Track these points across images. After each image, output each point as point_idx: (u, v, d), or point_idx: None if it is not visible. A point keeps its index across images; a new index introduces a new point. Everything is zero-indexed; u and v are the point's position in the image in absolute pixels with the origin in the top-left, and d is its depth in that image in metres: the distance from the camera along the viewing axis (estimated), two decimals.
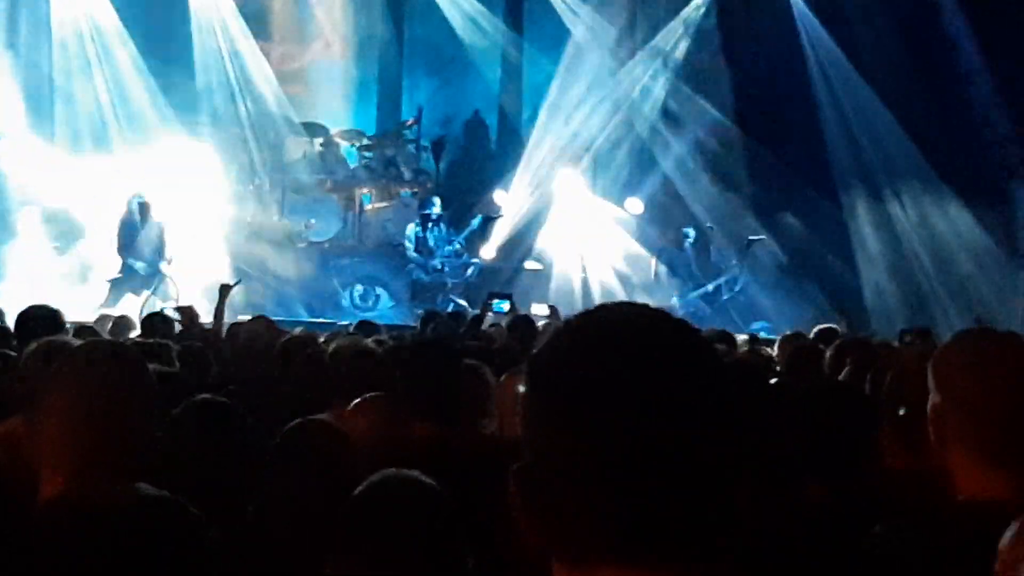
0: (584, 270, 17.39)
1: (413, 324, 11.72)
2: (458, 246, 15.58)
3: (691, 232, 17.04)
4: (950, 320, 15.17)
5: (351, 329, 8.79)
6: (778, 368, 6.36)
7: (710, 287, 16.71)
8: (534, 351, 1.25)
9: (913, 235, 16.82)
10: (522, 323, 7.72)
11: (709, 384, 1.16)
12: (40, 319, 5.24)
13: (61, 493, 1.90)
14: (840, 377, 5.26)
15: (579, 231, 17.69)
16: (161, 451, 2.18)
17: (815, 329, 8.50)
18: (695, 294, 16.55)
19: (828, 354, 5.68)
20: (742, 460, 1.16)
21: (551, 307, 10.64)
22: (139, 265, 14.37)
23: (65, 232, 15.41)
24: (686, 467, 1.13)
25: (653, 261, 17.18)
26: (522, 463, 1.18)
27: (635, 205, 17.62)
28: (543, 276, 16.86)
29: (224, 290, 8.00)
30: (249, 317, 8.62)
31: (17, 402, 2.65)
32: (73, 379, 1.98)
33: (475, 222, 15.98)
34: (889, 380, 2.97)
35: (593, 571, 1.14)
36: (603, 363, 1.15)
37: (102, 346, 2.28)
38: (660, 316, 1.22)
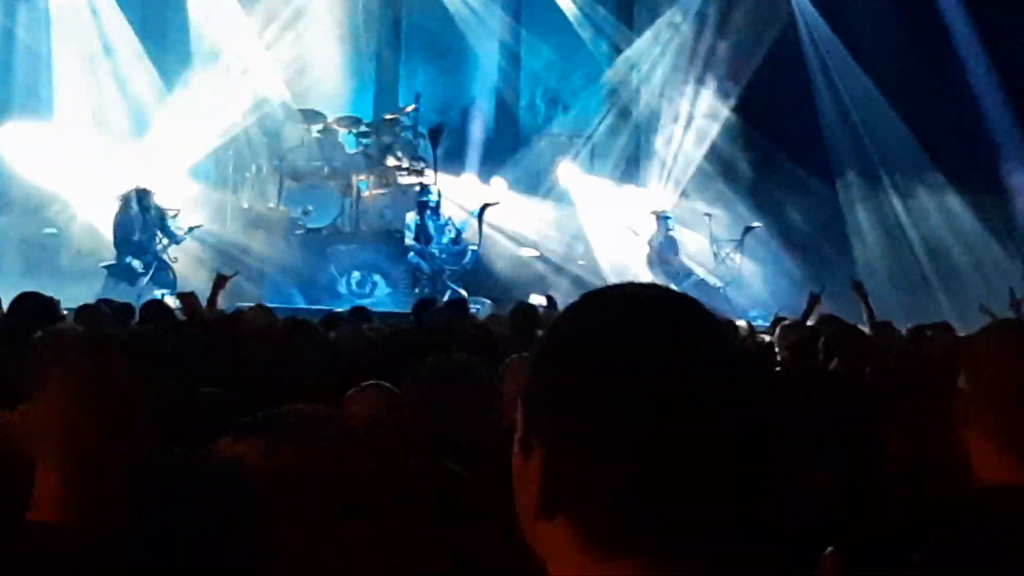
0: (581, 257, 17.40)
1: (408, 312, 11.72)
2: (456, 234, 15.53)
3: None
4: (943, 308, 15.20)
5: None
6: (778, 356, 6.36)
7: (707, 274, 16.69)
8: (547, 332, 1.21)
9: (909, 223, 16.84)
10: (524, 311, 7.70)
11: (731, 365, 1.13)
12: (35, 307, 5.17)
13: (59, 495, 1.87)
14: (832, 367, 5.27)
15: (577, 218, 17.70)
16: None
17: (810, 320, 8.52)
18: (690, 280, 16.53)
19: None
20: (766, 447, 1.13)
21: (548, 297, 10.59)
22: (135, 263, 14.35)
23: (61, 217, 15.42)
24: (715, 453, 1.09)
25: (649, 246, 17.14)
26: (529, 447, 1.13)
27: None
28: (540, 263, 16.87)
29: (220, 280, 7.78)
30: (247, 305, 8.62)
31: (18, 390, 2.63)
32: (72, 369, 1.95)
33: (474, 212, 15.94)
34: (905, 371, 2.97)
35: (614, 566, 1.10)
36: (627, 341, 1.11)
37: (103, 336, 2.25)
38: (677, 296, 1.19)
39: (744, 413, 1.12)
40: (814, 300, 9.27)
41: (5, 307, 6.19)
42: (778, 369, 5.17)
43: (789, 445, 2.69)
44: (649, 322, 1.14)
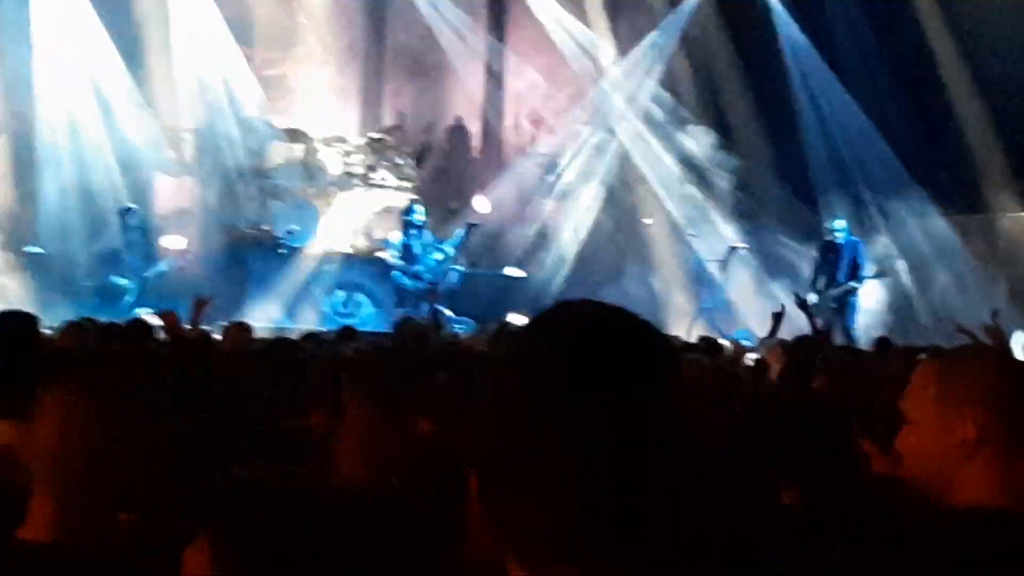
0: (566, 277, 17.45)
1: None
2: (442, 255, 15.44)
3: None
4: (925, 329, 15.27)
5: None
6: (767, 373, 6.41)
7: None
8: (492, 353, 1.25)
9: (891, 242, 16.89)
10: (504, 332, 7.72)
11: (669, 383, 1.16)
12: (13, 325, 5.01)
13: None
14: (815, 385, 5.32)
15: (559, 237, 17.77)
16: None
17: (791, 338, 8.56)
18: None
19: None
20: (699, 461, 1.16)
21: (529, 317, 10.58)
22: (120, 282, 14.31)
23: (45, 235, 15.38)
24: (644, 466, 1.12)
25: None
26: (482, 465, 1.17)
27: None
28: (525, 283, 16.89)
29: (199, 303, 7.57)
30: (227, 323, 8.62)
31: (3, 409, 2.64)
32: (66, 392, 1.95)
33: (461, 232, 15.91)
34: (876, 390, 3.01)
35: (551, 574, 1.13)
36: (564, 362, 1.14)
37: (99, 359, 2.25)
38: (621, 314, 1.21)
39: (677, 428, 1.14)
40: (778, 317, 9.34)
41: None
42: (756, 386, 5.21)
43: (758, 459, 2.72)
44: (584, 346, 1.16)
